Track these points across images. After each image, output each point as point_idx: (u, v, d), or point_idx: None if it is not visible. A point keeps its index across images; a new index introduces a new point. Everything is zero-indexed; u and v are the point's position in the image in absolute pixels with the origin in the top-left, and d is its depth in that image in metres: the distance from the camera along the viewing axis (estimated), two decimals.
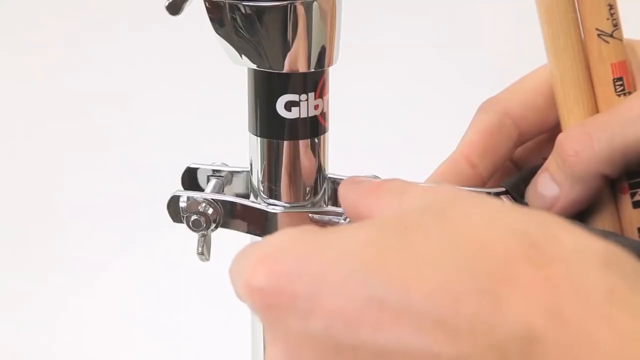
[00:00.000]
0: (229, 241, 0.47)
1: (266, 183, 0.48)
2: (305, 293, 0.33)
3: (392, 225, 0.34)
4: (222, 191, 0.51)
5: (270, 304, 0.34)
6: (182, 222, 0.48)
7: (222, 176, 0.51)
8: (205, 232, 0.48)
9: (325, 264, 0.33)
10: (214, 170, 0.52)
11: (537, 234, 0.32)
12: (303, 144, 0.47)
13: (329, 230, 0.35)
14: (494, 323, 0.30)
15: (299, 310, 0.33)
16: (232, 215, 0.48)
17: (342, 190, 0.42)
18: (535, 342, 0.30)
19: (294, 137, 0.47)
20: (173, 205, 0.48)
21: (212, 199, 0.48)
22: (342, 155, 0.50)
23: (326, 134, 0.48)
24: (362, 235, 0.34)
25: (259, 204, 0.48)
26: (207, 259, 0.49)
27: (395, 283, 0.32)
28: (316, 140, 0.47)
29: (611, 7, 0.45)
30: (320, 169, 0.48)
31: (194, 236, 0.49)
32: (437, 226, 0.33)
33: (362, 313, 0.32)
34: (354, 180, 0.42)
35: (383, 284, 0.32)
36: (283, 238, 0.35)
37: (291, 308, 0.33)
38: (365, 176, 0.45)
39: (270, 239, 0.36)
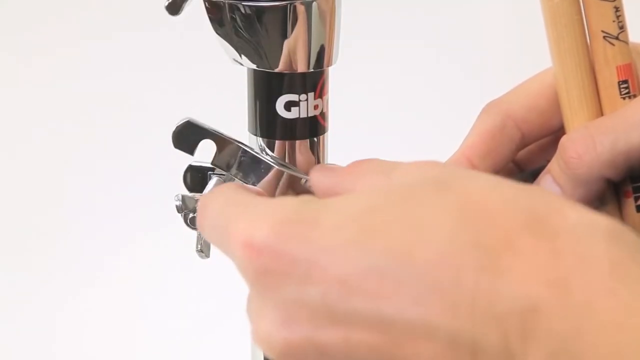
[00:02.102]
0: None
1: None
2: (304, 259, 0.32)
3: (392, 194, 0.33)
4: None
5: (267, 269, 0.33)
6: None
7: (223, 174, 0.51)
8: None
9: (325, 231, 0.32)
10: (215, 169, 0.51)
11: (540, 208, 0.32)
12: (303, 144, 0.47)
13: (330, 199, 0.34)
14: (494, 297, 0.30)
15: (297, 277, 0.32)
16: None
17: (314, 178, 0.41)
18: (536, 313, 0.29)
19: (294, 137, 0.47)
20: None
21: None
22: (342, 155, 0.50)
23: (326, 134, 0.48)
24: (363, 202, 0.33)
25: None
26: (207, 257, 0.49)
27: (395, 252, 0.31)
28: (316, 140, 0.47)
29: (617, 9, 0.45)
30: None
31: (194, 235, 0.49)
32: (439, 197, 0.32)
33: (361, 282, 0.31)
34: (325, 167, 0.41)
35: (383, 253, 0.31)
36: (283, 203, 0.34)
37: (289, 274, 0.32)
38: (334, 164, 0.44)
39: (270, 202, 0.35)
